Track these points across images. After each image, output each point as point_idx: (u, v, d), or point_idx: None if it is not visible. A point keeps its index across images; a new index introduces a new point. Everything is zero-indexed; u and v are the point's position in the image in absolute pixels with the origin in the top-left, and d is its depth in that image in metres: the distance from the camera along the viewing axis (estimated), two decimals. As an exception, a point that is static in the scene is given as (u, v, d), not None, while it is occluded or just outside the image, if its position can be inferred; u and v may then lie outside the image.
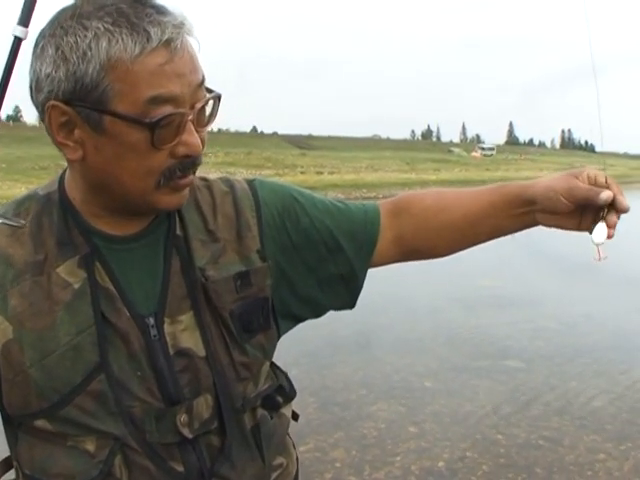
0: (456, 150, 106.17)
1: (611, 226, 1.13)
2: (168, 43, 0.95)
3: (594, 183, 1.15)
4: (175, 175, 1.03)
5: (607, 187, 1.13)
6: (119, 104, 0.96)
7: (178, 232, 1.13)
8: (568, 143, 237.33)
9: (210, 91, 1.05)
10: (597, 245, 1.14)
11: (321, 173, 45.88)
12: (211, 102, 1.05)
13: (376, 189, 41.56)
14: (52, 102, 0.97)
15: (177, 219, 1.14)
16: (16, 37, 0.85)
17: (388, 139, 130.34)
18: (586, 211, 1.17)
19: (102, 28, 0.94)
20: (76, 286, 1.04)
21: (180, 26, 0.98)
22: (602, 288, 9.64)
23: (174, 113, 0.98)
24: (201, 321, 1.10)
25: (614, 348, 6.95)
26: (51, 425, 1.05)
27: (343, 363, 6.45)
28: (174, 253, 1.12)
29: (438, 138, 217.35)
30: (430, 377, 6.10)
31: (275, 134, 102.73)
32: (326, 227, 1.25)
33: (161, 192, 1.04)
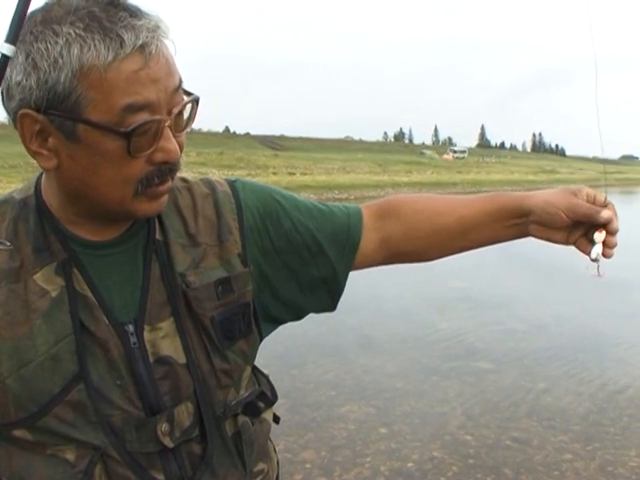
0: (428, 152, 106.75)
1: (611, 247, 1.18)
2: (142, 48, 0.92)
3: (593, 202, 1.19)
4: (153, 182, 1.00)
5: (606, 206, 1.18)
6: (93, 112, 0.92)
7: (158, 237, 1.11)
8: (539, 146, 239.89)
9: (188, 94, 1.02)
10: (597, 262, 1.18)
11: (293, 174, 45.87)
12: (189, 105, 1.02)
13: (348, 190, 41.65)
14: (23, 110, 0.94)
15: (157, 223, 1.12)
16: (3, 55, 0.82)
17: (360, 141, 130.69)
18: (576, 227, 1.21)
19: (73, 34, 0.90)
20: (54, 294, 1.02)
21: (155, 29, 0.94)
22: (571, 290, 9.74)
23: (150, 120, 0.95)
24: (181, 328, 1.08)
25: (583, 350, 7.03)
26: (30, 435, 1.02)
27: (313, 364, 6.45)
28: (154, 259, 1.10)
29: (410, 140, 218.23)
30: (400, 378, 6.12)
31: (247, 134, 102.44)
32: (308, 230, 1.24)
33: (139, 200, 1.01)
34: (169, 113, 0.98)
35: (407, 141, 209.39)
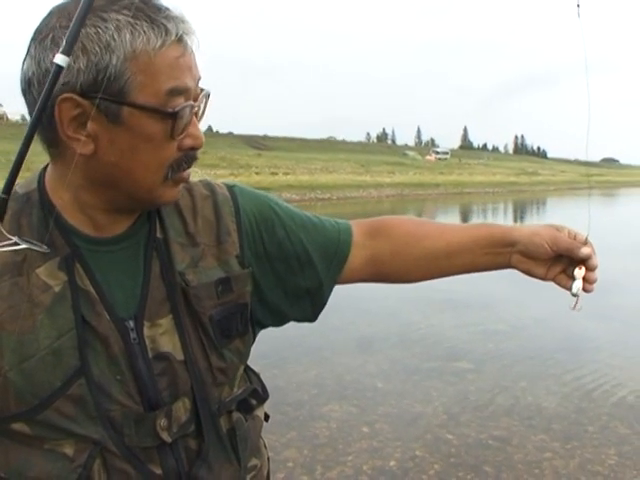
0: (411, 153, 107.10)
1: (591, 282, 1.25)
2: (181, 38, 0.99)
3: (574, 239, 1.25)
4: (181, 167, 1.05)
5: (586, 244, 1.24)
6: (140, 95, 0.96)
7: (158, 235, 1.13)
8: (521, 148, 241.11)
9: (202, 90, 1.07)
10: (577, 297, 1.24)
11: (276, 174, 45.87)
12: (204, 100, 1.08)
13: (330, 190, 41.70)
14: (66, 95, 0.95)
15: (157, 222, 1.14)
16: (58, 65, 0.85)
17: (343, 141, 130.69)
18: (555, 264, 1.27)
19: (123, 20, 0.94)
20: (57, 289, 1.02)
21: (186, 23, 1.01)
22: (550, 292, 9.76)
23: (189, 105, 1.01)
24: (180, 325, 1.10)
25: (562, 350, 7.09)
26: (29, 428, 1.02)
27: (295, 363, 6.47)
28: (154, 256, 1.11)
29: (393, 141, 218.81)
30: (382, 378, 6.15)
31: (230, 134, 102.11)
32: (300, 241, 1.27)
33: (166, 185, 1.05)
34: (197, 101, 1.04)
35: (390, 142, 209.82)
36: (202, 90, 1.06)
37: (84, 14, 0.88)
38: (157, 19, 0.97)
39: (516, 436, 4.80)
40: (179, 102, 0.99)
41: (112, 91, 0.95)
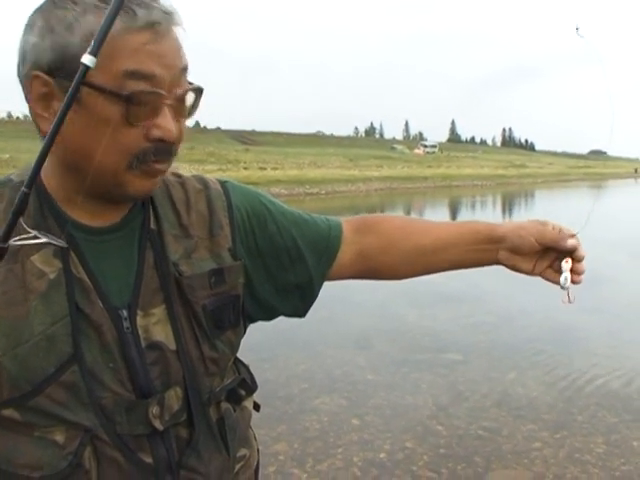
0: (399, 147, 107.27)
1: (580, 273, 1.26)
2: (152, 25, 0.98)
3: (559, 232, 1.26)
4: (149, 159, 1.03)
5: (572, 236, 1.25)
6: (97, 76, 0.95)
7: (152, 226, 1.14)
8: (509, 141, 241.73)
9: (191, 84, 1.06)
10: (567, 289, 1.25)
11: (264, 169, 45.80)
12: (192, 95, 1.06)
13: (319, 185, 41.68)
14: (35, 72, 0.98)
15: (152, 213, 1.15)
16: (84, 65, 0.86)
17: (331, 135, 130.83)
18: (542, 258, 1.29)
19: (91, 3, 0.96)
20: (51, 276, 1.03)
21: (169, 13, 1.00)
22: (538, 284, 9.81)
23: (150, 91, 0.98)
24: (173, 315, 1.11)
25: (550, 341, 7.12)
26: (20, 415, 1.03)
27: (285, 357, 6.48)
28: (148, 247, 1.12)
29: (381, 135, 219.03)
30: (372, 370, 6.17)
31: (218, 129, 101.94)
32: (291, 236, 1.29)
33: (133, 174, 1.03)
34: (171, 92, 1.01)
35: (378, 136, 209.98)
36: (191, 84, 1.05)
37: (113, 16, 0.89)
38: (128, 5, 0.96)
39: (506, 426, 4.82)
40: (139, 86, 0.98)
41: (72, 71, 0.93)
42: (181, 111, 1.05)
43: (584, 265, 1.26)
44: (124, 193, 1.07)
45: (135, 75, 0.97)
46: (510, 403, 5.30)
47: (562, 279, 1.25)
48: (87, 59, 0.86)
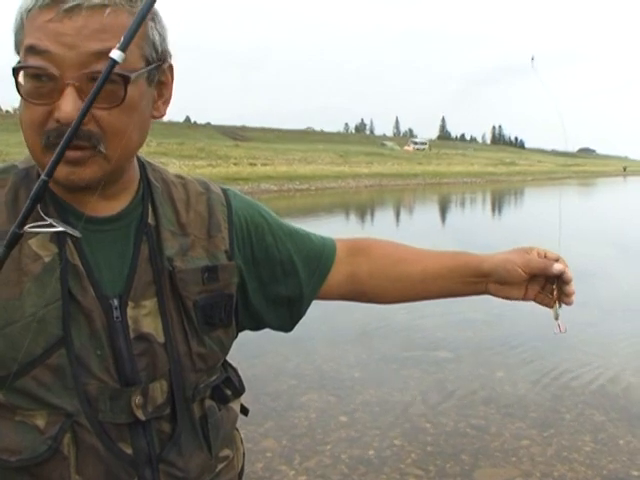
0: (389, 144, 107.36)
1: (570, 295, 1.29)
2: (57, 3, 0.96)
3: (544, 258, 1.29)
4: (50, 138, 0.99)
5: (557, 260, 1.27)
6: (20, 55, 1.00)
7: (150, 221, 1.15)
8: (499, 139, 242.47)
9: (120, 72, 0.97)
10: (558, 319, 1.30)
11: (254, 165, 45.73)
12: (121, 82, 0.98)
13: (309, 181, 41.69)
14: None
15: (150, 208, 1.16)
16: (113, 59, 0.87)
17: (322, 132, 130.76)
18: (532, 284, 1.31)
19: None
20: (46, 260, 1.04)
21: None
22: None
23: (38, 66, 0.97)
24: (164, 308, 1.12)
25: (539, 339, 7.13)
26: (3, 396, 1.03)
27: (274, 353, 6.47)
28: (144, 240, 1.13)
29: (371, 132, 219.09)
30: (360, 367, 6.17)
31: (208, 125, 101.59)
32: (287, 249, 1.31)
33: (49, 157, 0.92)
34: (73, 73, 0.97)
35: (368, 132, 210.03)
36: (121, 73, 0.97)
37: (144, 14, 0.88)
38: None
39: (494, 424, 4.84)
40: (30, 60, 0.98)
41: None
42: (99, 97, 0.89)
43: (573, 286, 1.28)
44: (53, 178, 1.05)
45: (32, 50, 0.97)
46: (498, 401, 5.31)
47: (553, 312, 1.29)
48: (117, 54, 0.86)
